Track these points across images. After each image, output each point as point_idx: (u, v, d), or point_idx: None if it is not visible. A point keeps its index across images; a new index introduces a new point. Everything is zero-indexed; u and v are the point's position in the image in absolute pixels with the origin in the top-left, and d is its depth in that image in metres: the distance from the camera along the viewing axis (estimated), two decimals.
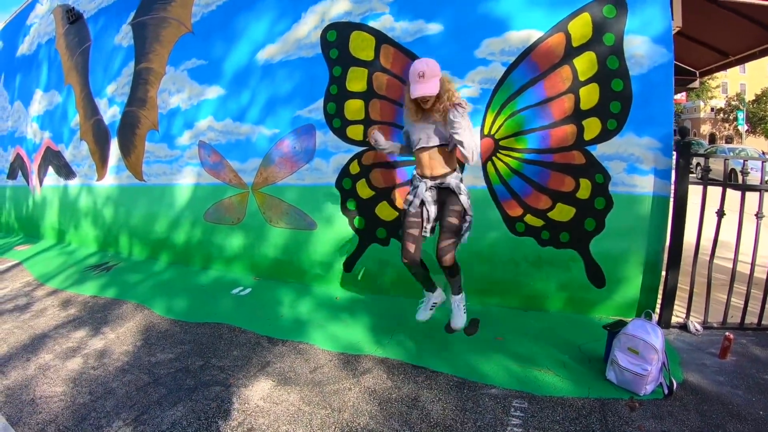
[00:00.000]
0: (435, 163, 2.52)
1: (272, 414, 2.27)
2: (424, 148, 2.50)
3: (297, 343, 3.04)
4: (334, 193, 3.85)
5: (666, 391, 2.33)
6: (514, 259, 3.42)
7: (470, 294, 3.10)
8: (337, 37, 3.64)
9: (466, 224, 2.53)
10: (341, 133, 3.75)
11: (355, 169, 3.74)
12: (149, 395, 2.47)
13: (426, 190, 2.52)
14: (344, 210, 3.84)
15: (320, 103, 3.79)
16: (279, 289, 4.00)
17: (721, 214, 3.02)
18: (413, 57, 3.46)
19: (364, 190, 3.75)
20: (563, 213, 3.31)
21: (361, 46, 3.57)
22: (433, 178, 2.53)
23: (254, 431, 2.15)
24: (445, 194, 2.53)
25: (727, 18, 4.41)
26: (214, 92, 4.36)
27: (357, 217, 3.81)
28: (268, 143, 4.10)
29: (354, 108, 3.66)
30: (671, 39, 3.09)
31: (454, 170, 2.56)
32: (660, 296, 3.18)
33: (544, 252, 3.38)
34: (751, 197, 3.04)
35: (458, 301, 2.69)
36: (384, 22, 3.51)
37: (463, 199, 2.50)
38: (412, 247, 2.55)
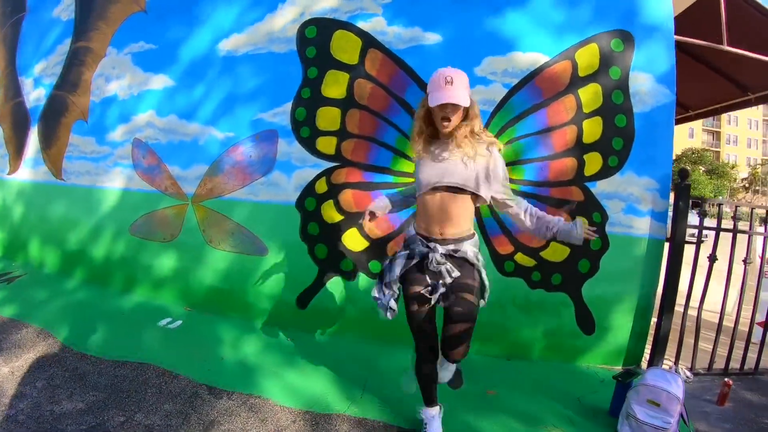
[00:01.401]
0: (448, 217, 1.82)
1: None
2: (435, 190, 1.82)
3: (247, 396, 2.38)
4: (294, 214, 3.24)
5: None
6: (500, 302, 2.99)
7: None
8: (317, 34, 3.15)
9: (481, 305, 1.93)
10: (309, 145, 3.20)
11: (322, 187, 3.18)
12: None
13: (440, 261, 1.80)
14: (304, 235, 3.23)
15: (288, 106, 3.23)
16: (217, 323, 3.27)
17: (713, 259, 2.98)
18: (404, 66, 3.04)
19: (330, 213, 3.18)
20: (557, 253, 2.99)
21: (345, 47, 3.10)
22: (443, 241, 1.83)
23: None
24: (454, 265, 1.83)
25: (696, 70, 4.46)
26: (160, 82, 3.67)
27: (319, 244, 3.22)
28: (219, 148, 3.45)
29: (328, 116, 3.14)
30: (674, 80, 2.99)
31: (472, 233, 1.91)
32: (650, 343, 3.03)
33: (534, 295, 3.02)
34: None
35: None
36: (375, 25, 3.08)
37: (483, 274, 1.90)
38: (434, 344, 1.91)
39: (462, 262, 1.83)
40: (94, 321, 3.20)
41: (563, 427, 2.30)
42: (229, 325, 3.27)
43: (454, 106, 1.73)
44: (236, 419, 2.18)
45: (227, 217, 3.44)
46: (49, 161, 4.40)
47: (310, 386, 2.52)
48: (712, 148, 47.14)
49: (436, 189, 1.81)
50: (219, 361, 2.76)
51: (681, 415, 2.23)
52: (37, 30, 4.57)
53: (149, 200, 3.75)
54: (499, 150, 1.83)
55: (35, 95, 4.51)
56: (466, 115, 1.79)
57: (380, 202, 2.07)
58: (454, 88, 1.71)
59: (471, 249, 1.85)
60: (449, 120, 1.75)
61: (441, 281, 1.78)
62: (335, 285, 3.22)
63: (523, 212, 1.92)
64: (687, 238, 3.01)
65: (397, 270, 1.87)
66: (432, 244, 1.81)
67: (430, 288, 1.80)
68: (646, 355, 3.08)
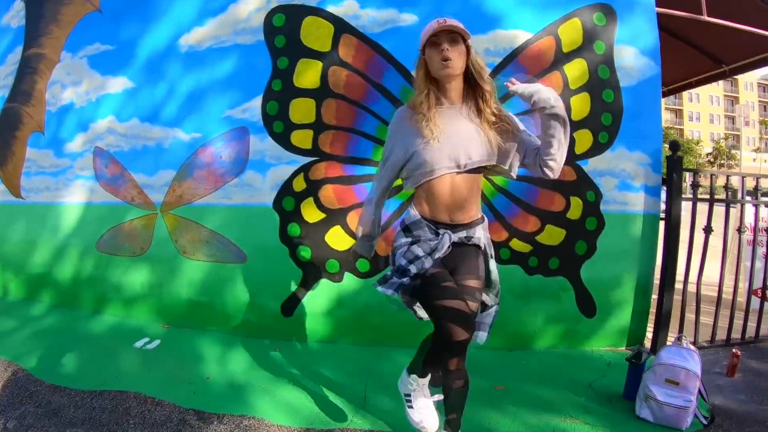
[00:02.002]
0: (459, 202, 1.59)
1: None
2: (444, 173, 1.57)
3: (239, 419, 2.16)
4: (272, 215, 3.04)
5: (704, 422, 2.16)
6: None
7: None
8: (285, 22, 2.96)
9: (495, 309, 1.71)
10: (283, 140, 3.00)
11: (300, 185, 2.99)
12: None
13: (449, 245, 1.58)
14: (284, 237, 3.03)
15: (258, 101, 3.03)
16: (197, 340, 3.05)
17: (708, 230, 2.94)
18: (381, 51, 2.88)
19: (311, 212, 2.99)
20: (553, 236, 2.89)
21: (316, 34, 2.92)
22: (453, 226, 1.62)
23: None
24: (461, 255, 1.63)
25: (671, 45, 4.47)
26: (119, 84, 3.43)
27: (301, 246, 3.02)
28: (187, 151, 3.22)
29: (302, 108, 2.96)
30: (659, 52, 2.91)
31: (482, 215, 1.69)
32: (653, 320, 2.97)
33: (533, 281, 2.90)
34: None
35: None
36: (347, 9, 2.91)
37: (493, 266, 1.68)
38: (469, 307, 1.55)
39: (470, 251, 1.63)
40: (65, 348, 2.94)
41: (580, 416, 2.19)
42: (210, 340, 3.05)
43: (451, 39, 1.50)
44: None
45: (200, 225, 3.22)
46: (5, 179, 4.11)
47: (305, 401, 2.32)
48: (675, 126, 48.90)
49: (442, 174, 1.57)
50: (204, 381, 2.53)
51: (700, 392, 2.16)
52: None
53: (115, 213, 3.51)
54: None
55: None
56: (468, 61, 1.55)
57: (367, 226, 1.83)
58: (446, 22, 1.51)
59: (484, 235, 1.66)
60: (448, 59, 1.50)
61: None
62: (322, 288, 3.02)
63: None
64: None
65: (404, 261, 1.63)
66: (442, 230, 1.59)
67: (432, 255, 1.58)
68: (649, 334, 2.99)
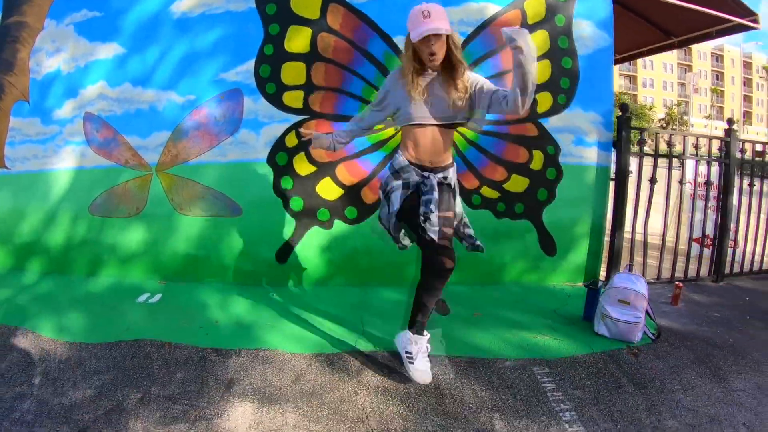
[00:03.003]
0: (438, 149, 2.01)
1: None
2: (422, 125, 1.99)
3: (255, 351, 2.45)
4: (266, 170, 3.37)
5: (652, 336, 2.62)
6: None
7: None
8: None
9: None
10: (276, 100, 3.32)
11: (292, 141, 3.33)
12: None
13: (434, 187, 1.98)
14: (277, 190, 3.37)
15: (251, 64, 3.32)
16: (197, 291, 3.32)
17: (653, 181, 3.43)
18: (366, 20, 3.22)
19: (303, 166, 3.34)
20: (518, 184, 3.35)
21: (306, 3, 3.23)
22: (434, 169, 2.03)
23: None
24: (440, 192, 2.02)
25: (624, 17, 4.97)
26: (109, 51, 3.61)
27: (294, 197, 3.37)
28: (181, 112, 3.47)
29: (293, 71, 3.28)
30: (612, 25, 3.38)
31: (452, 161, 2.12)
32: (605, 260, 3.48)
33: (501, 224, 3.37)
34: None
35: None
36: None
37: (459, 200, 2.16)
38: (447, 234, 1.99)
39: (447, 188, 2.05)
40: (69, 310, 3.06)
41: (548, 333, 2.64)
42: (210, 290, 3.33)
43: (437, 37, 1.86)
44: (254, 373, 2.25)
45: (196, 182, 3.49)
46: None
47: (311, 333, 2.66)
48: (629, 92, 51.24)
49: (422, 125, 1.99)
50: (214, 325, 2.80)
51: (647, 312, 2.62)
52: None
53: (108, 176, 3.69)
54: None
55: None
56: (449, 47, 1.92)
57: (324, 142, 2.22)
58: (432, 20, 1.84)
59: (455, 176, 2.11)
60: (434, 53, 1.88)
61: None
62: (313, 235, 3.38)
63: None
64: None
65: (397, 203, 2.03)
66: (426, 173, 2.02)
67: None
68: (603, 272, 3.51)
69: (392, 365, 2.30)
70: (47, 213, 3.87)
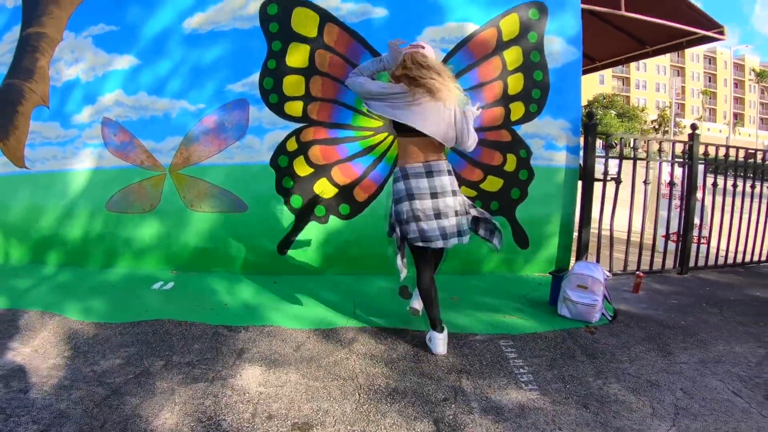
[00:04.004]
0: (432, 152, 2.44)
1: (283, 397, 2.13)
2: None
3: (261, 327, 2.88)
4: (269, 171, 3.80)
5: (609, 318, 2.96)
6: None
7: (413, 263, 3.36)
8: (278, 11, 3.68)
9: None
10: (278, 109, 3.76)
11: (292, 146, 3.76)
12: (118, 409, 2.07)
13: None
14: (279, 189, 3.81)
15: (255, 77, 3.75)
16: (206, 279, 3.74)
17: (618, 181, 3.87)
18: (358, 38, 3.66)
19: (302, 168, 3.78)
20: (493, 184, 3.81)
21: (304, 22, 3.67)
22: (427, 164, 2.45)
23: (276, 417, 1.98)
24: None
25: (602, 29, 5.44)
26: (125, 62, 4.04)
27: (294, 195, 3.81)
28: (192, 119, 3.90)
29: (293, 83, 3.71)
30: (581, 41, 3.82)
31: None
32: (574, 251, 3.91)
33: None
34: None
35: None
36: (329, 2, 3.67)
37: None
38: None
39: None
40: (89, 296, 3.44)
41: (517, 314, 3.07)
42: (218, 278, 3.76)
43: None
44: (261, 344, 2.67)
45: (206, 181, 3.91)
46: (7, 152, 4.54)
47: (309, 312, 3.09)
48: (622, 93, 52.19)
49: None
50: (223, 307, 3.23)
51: (605, 296, 3.03)
52: None
53: (123, 175, 4.10)
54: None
55: None
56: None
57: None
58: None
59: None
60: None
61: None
62: (310, 229, 3.82)
63: None
64: (598, 176, 3.87)
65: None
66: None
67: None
68: (572, 263, 3.97)
69: (378, 338, 2.73)
70: (65, 209, 4.26)
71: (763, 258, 4.76)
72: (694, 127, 4.30)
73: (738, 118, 56.70)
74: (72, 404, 2.08)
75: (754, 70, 55.34)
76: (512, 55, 3.75)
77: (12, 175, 4.48)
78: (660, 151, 4.32)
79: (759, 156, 4.81)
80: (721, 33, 4.98)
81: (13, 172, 4.48)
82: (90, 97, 4.16)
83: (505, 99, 3.75)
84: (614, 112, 42.41)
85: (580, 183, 3.89)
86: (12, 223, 4.46)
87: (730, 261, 4.60)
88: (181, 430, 1.89)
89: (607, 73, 51.53)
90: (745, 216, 4.58)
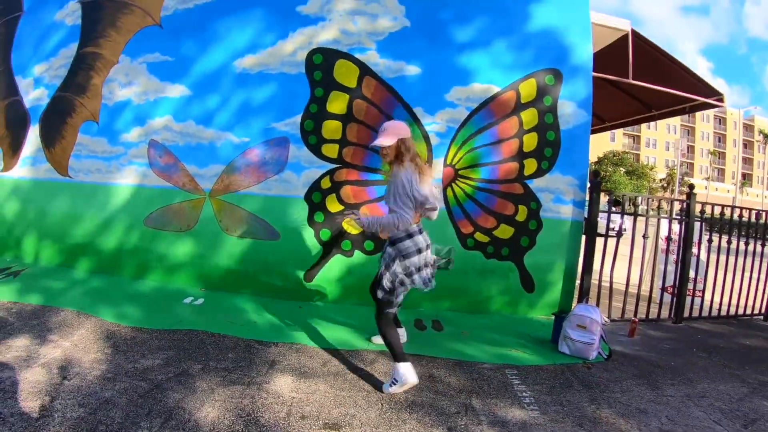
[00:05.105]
0: None
1: (314, 402, 2.51)
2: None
3: (290, 344, 3.28)
4: (302, 205, 4.30)
5: (605, 356, 3.39)
6: (464, 269, 4.24)
7: (426, 299, 4.06)
8: (322, 61, 4.27)
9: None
10: (316, 150, 4.29)
11: (326, 184, 4.28)
12: (162, 401, 2.35)
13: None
14: (311, 222, 4.30)
15: (298, 118, 4.30)
16: (236, 299, 4.14)
17: (619, 234, 4.38)
18: (393, 92, 4.24)
19: (333, 205, 4.28)
20: (505, 232, 4.30)
21: (345, 73, 4.25)
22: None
23: (309, 418, 2.36)
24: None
25: (612, 93, 6.08)
26: (176, 91, 4.56)
27: (324, 229, 4.30)
28: (235, 151, 4.41)
29: (332, 128, 4.26)
30: (591, 105, 4.39)
31: None
32: (576, 296, 4.33)
33: (489, 263, 4.29)
34: None
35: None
36: (369, 57, 4.26)
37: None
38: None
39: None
40: (123, 302, 3.80)
41: (521, 349, 3.52)
42: (246, 299, 4.18)
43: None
44: (290, 358, 3.07)
45: (243, 208, 4.40)
46: (51, 159, 5.01)
47: (333, 335, 3.52)
48: (632, 151, 53.59)
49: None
50: (253, 323, 3.65)
51: (601, 336, 3.45)
52: (37, 32, 5.17)
53: (164, 195, 4.58)
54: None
55: (35, 95, 5.11)
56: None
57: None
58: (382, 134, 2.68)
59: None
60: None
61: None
62: (336, 261, 4.29)
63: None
64: (604, 232, 4.34)
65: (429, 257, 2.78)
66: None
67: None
68: (574, 306, 4.41)
69: None
70: (103, 220, 4.73)
71: (756, 311, 5.20)
72: (691, 187, 4.83)
73: (746, 179, 58.06)
74: (117, 393, 2.39)
75: (762, 132, 57.01)
76: (528, 116, 4.31)
77: (53, 181, 4.95)
78: (659, 208, 4.83)
79: (753, 215, 5.26)
80: (721, 100, 5.58)
81: (55, 178, 4.96)
82: (140, 119, 4.68)
83: (520, 155, 4.29)
84: (623, 170, 43.41)
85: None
86: (47, 226, 4.92)
87: (723, 313, 5.02)
88: (222, 422, 2.25)
89: (619, 130, 53.15)
90: (739, 271, 5.00)
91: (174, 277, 4.55)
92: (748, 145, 61.83)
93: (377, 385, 2.77)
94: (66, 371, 2.59)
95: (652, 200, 4.73)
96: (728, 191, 55.97)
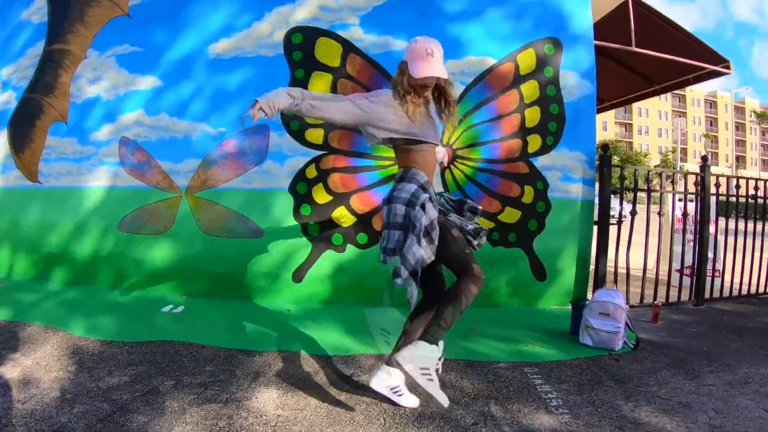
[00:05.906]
0: (434, 167, 2.28)
1: (303, 420, 2.13)
2: (432, 144, 2.19)
3: (278, 352, 2.90)
4: (287, 198, 3.89)
5: (632, 346, 3.06)
6: None
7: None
8: (302, 41, 3.87)
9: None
10: (299, 136, 3.89)
11: (312, 173, 3.87)
12: (124, 426, 2.04)
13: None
14: (297, 216, 3.89)
15: None
16: (219, 304, 3.76)
17: (633, 213, 4.01)
18: (380, 69, 3.84)
19: (320, 195, 3.88)
20: (511, 216, 3.91)
21: (328, 52, 3.85)
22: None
23: None
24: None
25: (610, 69, 5.68)
26: (147, 83, 4.18)
27: (312, 223, 3.89)
28: (212, 143, 4.02)
29: None
30: (594, 75, 4.00)
31: None
32: (592, 282, 3.99)
33: (496, 252, 3.89)
34: None
35: None
36: (353, 33, 3.86)
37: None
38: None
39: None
40: (96, 313, 3.46)
41: (538, 343, 3.11)
42: (230, 304, 3.77)
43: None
44: (277, 368, 2.66)
45: (222, 205, 4.00)
46: (21, 165, 4.66)
47: (326, 340, 3.10)
48: (624, 139, 53.41)
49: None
50: (237, 330, 3.25)
51: (627, 324, 3.07)
52: (4, 33, 4.84)
53: (138, 195, 4.19)
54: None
55: (3, 98, 4.76)
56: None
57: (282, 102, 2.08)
58: (435, 61, 2.02)
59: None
60: (429, 88, 2.11)
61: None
62: (327, 258, 3.89)
63: None
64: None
65: (433, 213, 2.09)
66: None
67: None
68: (589, 295, 4.03)
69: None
70: (75, 226, 4.34)
71: None
72: (704, 158, 4.45)
73: (740, 161, 57.88)
74: (74, 418, 2.06)
75: (754, 112, 56.88)
76: (529, 89, 3.92)
77: (24, 189, 4.59)
78: (673, 183, 4.44)
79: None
80: (728, 67, 5.23)
81: (26, 185, 4.59)
82: (110, 116, 4.30)
83: (523, 131, 3.90)
84: (617, 158, 43.25)
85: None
86: (21, 236, 4.55)
87: (744, 292, 4.71)
88: None
89: (610, 119, 53.04)
90: (758, 250, 4.72)
91: (152, 284, 4.15)
92: (740, 127, 61.66)
93: (378, 395, 2.34)
94: (23, 392, 2.29)
95: (667, 175, 4.30)
96: (723, 174, 55.74)
